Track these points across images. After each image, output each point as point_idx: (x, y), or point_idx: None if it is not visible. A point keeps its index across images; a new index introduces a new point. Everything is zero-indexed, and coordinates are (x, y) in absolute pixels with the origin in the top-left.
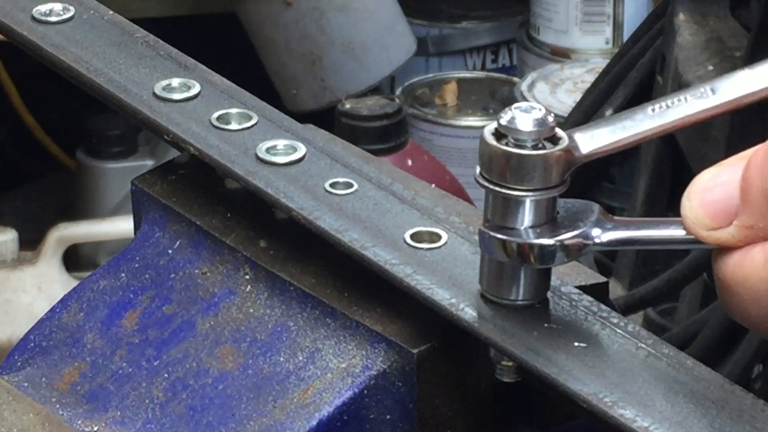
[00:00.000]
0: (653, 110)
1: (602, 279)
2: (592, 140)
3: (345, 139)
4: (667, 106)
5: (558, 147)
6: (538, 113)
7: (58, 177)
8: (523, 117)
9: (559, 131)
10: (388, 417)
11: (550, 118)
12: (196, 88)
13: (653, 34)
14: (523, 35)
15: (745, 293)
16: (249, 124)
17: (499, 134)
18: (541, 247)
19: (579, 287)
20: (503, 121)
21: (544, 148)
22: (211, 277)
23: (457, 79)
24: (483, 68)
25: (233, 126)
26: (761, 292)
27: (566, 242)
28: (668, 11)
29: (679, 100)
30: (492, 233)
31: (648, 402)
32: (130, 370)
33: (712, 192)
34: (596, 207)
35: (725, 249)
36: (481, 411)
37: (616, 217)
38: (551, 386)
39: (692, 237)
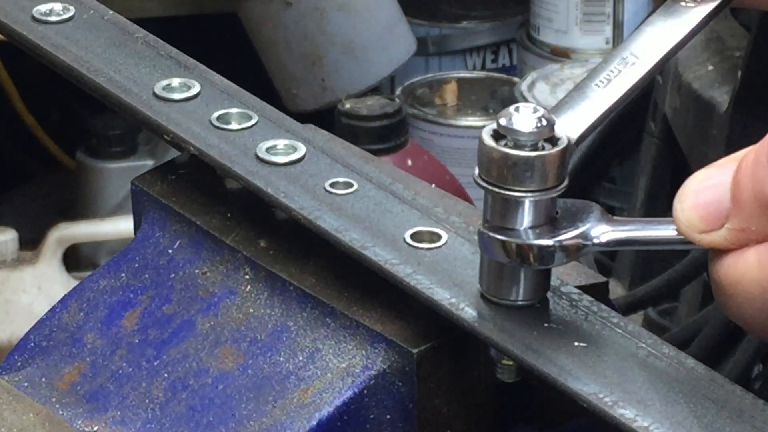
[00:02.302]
0: (598, 85)
1: (602, 279)
2: (575, 127)
3: (345, 139)
4: (608, 80)
5: (557, 147)
6: (537, 114)
7: (58, 177)
8: (522, 118)
9: (557, 131)
10: (388, 417)
11: (549, 119)
12: (196, 88)
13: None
14: (523, 35)
15: (738, 294)
16: (249, 124)
17: (498, 135)
18: (541, 247)
19: (579, 287)
20: (502, 122)
21: (543, 149)
22: (211, 277)
23: (457, 79)
24: (483, 68)
25: (233, 126)
26: (755, 294)
27: (565, 243)
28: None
29: (612, 71)
30: (492, 234)
31: (648, 402)
32: (130, 370)
33: (703, 194)
34: (596, 207)
35: (719, 250)
36: (481, 411)
37: (615, 217)
38: (551, 386)
39: None
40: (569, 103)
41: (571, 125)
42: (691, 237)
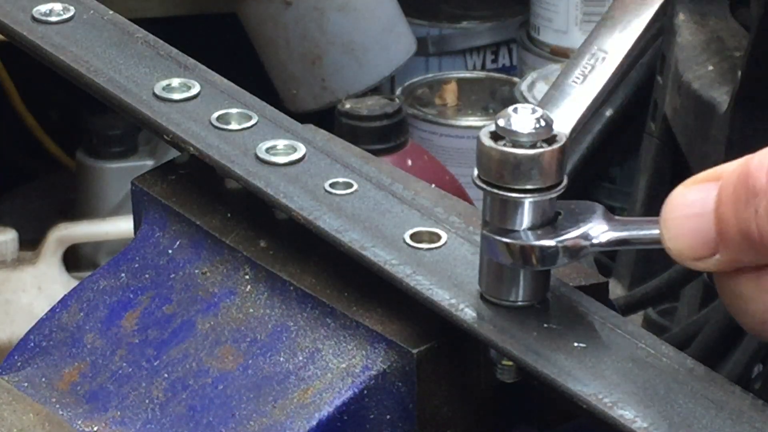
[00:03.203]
0: (576, 81)
1: (602, 279)
2: (565, 123)
3: (345, 139)
4: (584, 75)
5: (556, 145)
6: (536, 114)
7: (58, 177)
8: (521, 118)
9: (556, 131)
10: (388, 417)
11: (547, 119)
12: (196, 88)
13: (653, 34)
14: (523, 35)
15: (736, 305)
16: (249, 124)
17: (496, 136)
18: (543, 248)
19: (579, 287)
20: (501, 123)
21: (541, 148)
22: (211, 277)
23: (457, 79)
24: (483, 68)
25: (233, 126)
26: (749, 311)
27: (567, 243)
28: (668, 11)
29: (585, 67)
30: (495, 237)
31: (648, 402)
32: (130, 370)
33: (687, 223)
34: (599, 207)
35: None
36: (481, 411)
37: (617, 217)
38: (551, 386)
39: None
40: (552, 102)
41: (559, 123)
42: (682, 263)
